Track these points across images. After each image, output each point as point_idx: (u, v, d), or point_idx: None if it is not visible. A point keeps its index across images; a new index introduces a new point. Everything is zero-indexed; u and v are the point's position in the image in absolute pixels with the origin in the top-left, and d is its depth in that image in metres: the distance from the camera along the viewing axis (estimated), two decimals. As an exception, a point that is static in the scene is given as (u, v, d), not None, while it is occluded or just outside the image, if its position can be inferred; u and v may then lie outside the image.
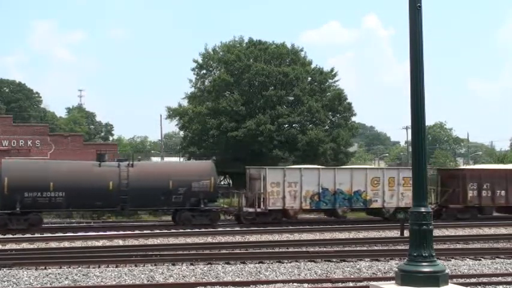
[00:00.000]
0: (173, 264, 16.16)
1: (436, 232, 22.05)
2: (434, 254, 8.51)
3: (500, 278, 14.28)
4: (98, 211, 29.79)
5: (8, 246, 20.90)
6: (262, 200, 28.07)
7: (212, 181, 27.73)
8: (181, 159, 63.16)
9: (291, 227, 26.83)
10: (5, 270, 15.15)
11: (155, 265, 16.04)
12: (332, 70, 48.72)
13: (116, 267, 15.76)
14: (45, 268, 15.57)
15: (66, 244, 21.65)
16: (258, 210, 28.02)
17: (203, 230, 25.50)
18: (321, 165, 34.14)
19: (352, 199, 29.42)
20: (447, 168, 37.56)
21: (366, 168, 31.37)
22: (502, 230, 26.93)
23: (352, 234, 25.35)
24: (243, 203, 28.77)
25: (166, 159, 76.51)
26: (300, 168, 29.76)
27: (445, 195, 31.69)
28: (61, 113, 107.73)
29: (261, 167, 29.89)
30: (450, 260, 17.23)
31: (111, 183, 26.37)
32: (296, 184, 28.43)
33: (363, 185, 29.45)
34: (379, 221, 30.10)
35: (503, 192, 31.97)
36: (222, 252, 19.08)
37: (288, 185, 28.31)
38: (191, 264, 16.31)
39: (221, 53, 48.35)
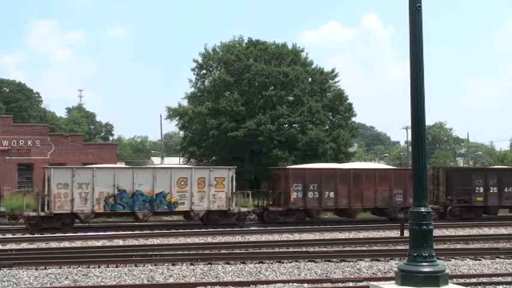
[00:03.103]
0: (173, 264, 16.16)
1: (436, 232, 22.07)
2: (434, 254, 8.50)
3: (500, 278, 14.28)
4: None
5: (8, 246, 20.90)
6: (46, 202, 25.83)
7: None
8: (181, 159, 63.21)
9: (291, 227, 26.78)
10: (5, 270, 15.16)
11: (155, 265, 16.03)
12: (333, 71, 48.80)
13: (116, 267, 15.76)
14: (45, 268, 15.57)
15: (66, 244, 21.67)
16: (42, 214, 25.74)
17: (203, 230, 25.47)
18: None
19: (154, 201, 27.00)
20: (276, 168, 33.80)
21: (171, 168, 28.85)
22: (502, 230, 26.93)
23: (352, 234, 25.34)
24: (39, 206, 26.09)
25: (166, 159, 76.68)
26: (92, 168, 27.37)
27: (271, 197, 29.66)
28: (61, 113, 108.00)
29: (49, 167, 27.37)
30: (450, 260, 17.24)
31: None
32: (87, 185, 26.18)
33: (167, 186, 27.13)
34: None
35: (332, 194, 29.24)
36: (222, 252, 19.07)
37: (78, 186, 26.05)
38: (191, 264, 16.31)
39: (221, 53, 48.40)
